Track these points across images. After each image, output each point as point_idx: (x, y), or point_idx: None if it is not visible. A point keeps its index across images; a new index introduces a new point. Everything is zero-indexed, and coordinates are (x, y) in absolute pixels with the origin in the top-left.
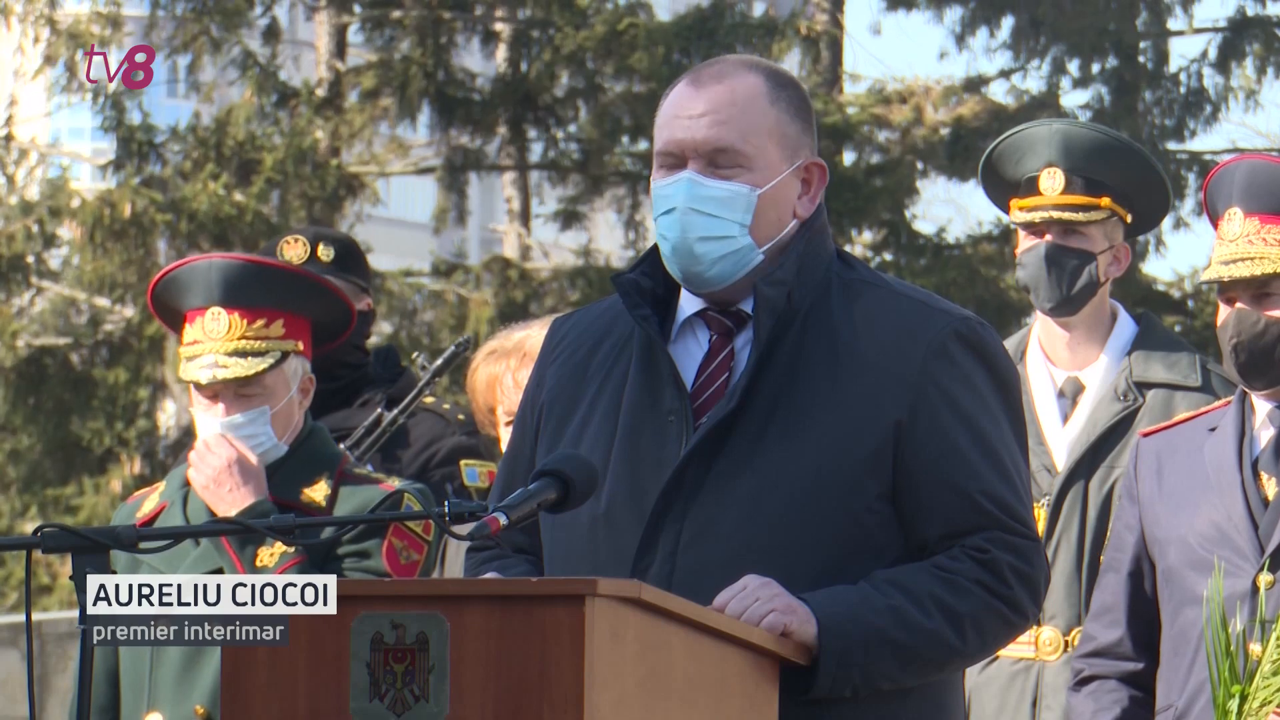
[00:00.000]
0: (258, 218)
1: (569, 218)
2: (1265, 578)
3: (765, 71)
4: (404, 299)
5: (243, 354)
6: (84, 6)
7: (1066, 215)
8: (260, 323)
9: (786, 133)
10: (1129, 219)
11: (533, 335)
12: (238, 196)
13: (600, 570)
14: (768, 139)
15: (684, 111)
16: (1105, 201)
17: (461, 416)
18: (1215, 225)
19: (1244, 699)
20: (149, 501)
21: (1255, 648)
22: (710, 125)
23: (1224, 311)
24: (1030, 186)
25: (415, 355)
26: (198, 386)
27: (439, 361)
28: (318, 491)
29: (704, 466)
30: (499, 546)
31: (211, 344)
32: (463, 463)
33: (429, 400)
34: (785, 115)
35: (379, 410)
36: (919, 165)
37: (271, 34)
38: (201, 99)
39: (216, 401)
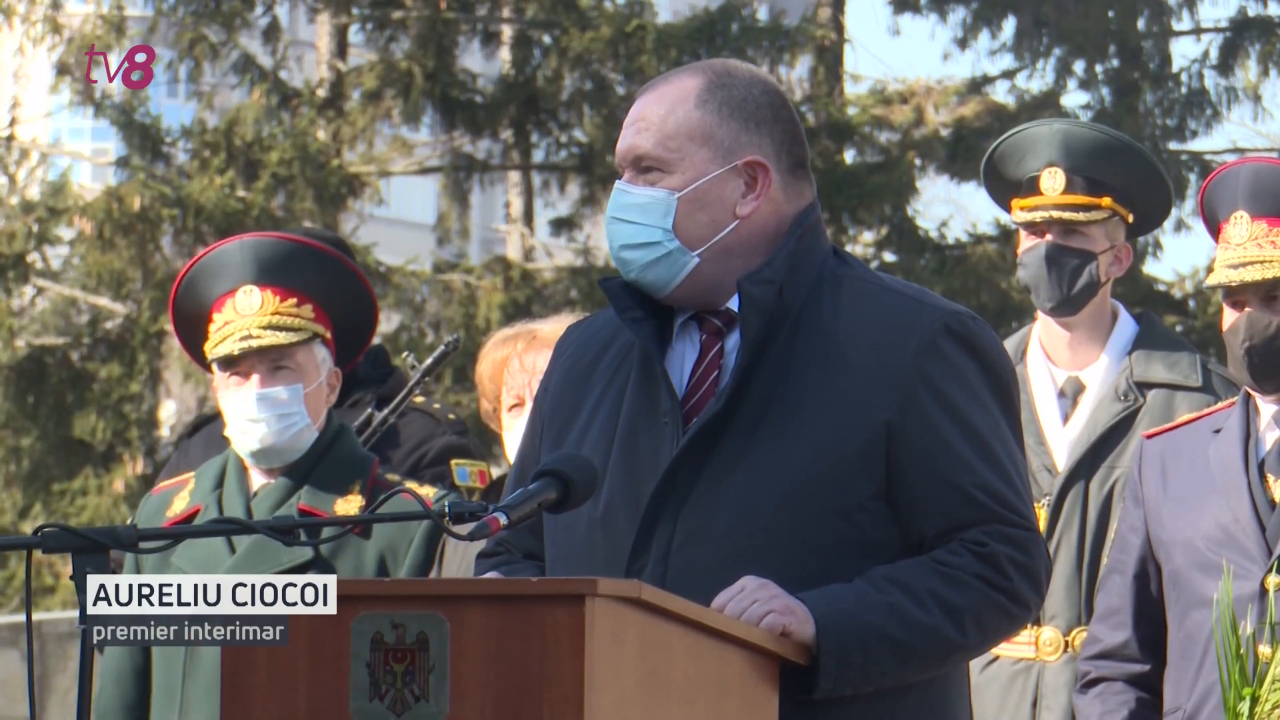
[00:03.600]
0: (263, 214)
1: (572, 220)
2: (1274, 580)
3: (710, 72)
4: (410, 291)
5: (276, 328)
6: (88, 7)
7: (1067, 215)
8: (292, 301)
9: (716, 134)
10: (1131, 219)
11: (546, 326)
12: (243, 193)
13: (597, 573)
14: (689, 141)
15: (625, 122)
16: (1106, 201)
17: (452, 416)
18: (1215, 229)
19: (1255, 702)
20: (180, 500)
21: (1265, 650)
22: (634, 134)
23: (1232, 315)
24: (1031, 186)
25: (405, 355)
26: (227, 363)
27: (429, 361)
28: (351, 503)
29: (695, 468)
30: (510, 551)
31: (244, 320)
32: (453, 462)
33: (419, 400)
34: (715, 116)
35: (369, 410)
36: (918, 162)
37: (273, 33)
38: (202, 106)
39: (248, 378)
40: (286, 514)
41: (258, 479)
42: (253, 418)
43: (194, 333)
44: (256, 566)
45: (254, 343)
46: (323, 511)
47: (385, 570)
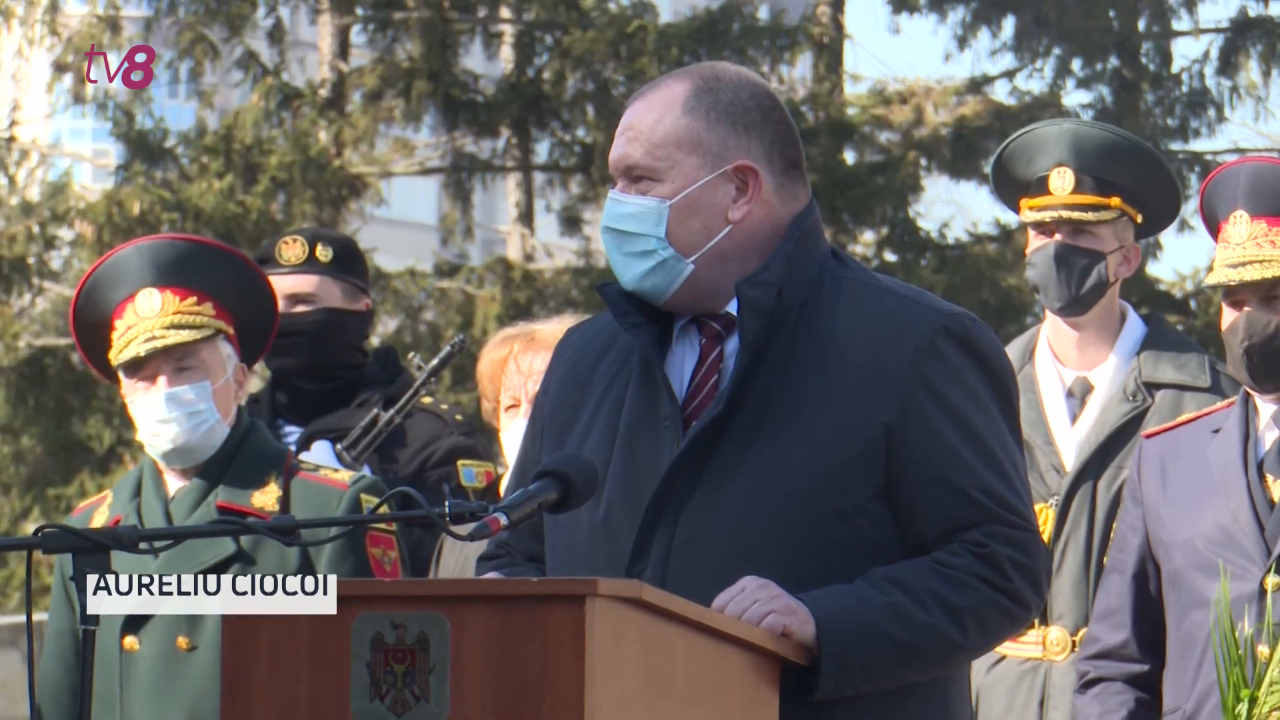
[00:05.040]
0: (263, 217)
1: (573, 221)
2: (1273, 580)
3: (697, 78)
4: (409, 297)
5: (178, 327)
6: (85, 8)
7: (1076, 215)
8: (192, 300)
9: (704, 139)
10: (1139, 219)
11: (545, 327)
12: (243, 197)
13: (597, 575)
14: (677, 149)
15: (617, 131)
16: (1115, 201)
17: (459, 416)
18: (1215, 228)
19: (1253, 703)
20: (99, 514)
21: (1264, 650)
22: (624, 143)
23: (1231, 315)
24: (1040, 186)
25: (411, 355)
26: (133, 366)
27: (435, 361)
28: (268, 494)
29: (695, 471)
30: (510, 554)
31: (145, 323)
32: (460, 463)
33: (426, 400)
34: (702, 122)
35: (376, 410)
36: (922, 161)
37: (277, 34)
38: (203, 105)
39: (155, 380)
40: (205, 514)
41: (174, 482)
42: (163, 418)
43: (95, 342)
44: (181, 566)
45: (159, 343)
46: (241, 506)
47: (307, 560)
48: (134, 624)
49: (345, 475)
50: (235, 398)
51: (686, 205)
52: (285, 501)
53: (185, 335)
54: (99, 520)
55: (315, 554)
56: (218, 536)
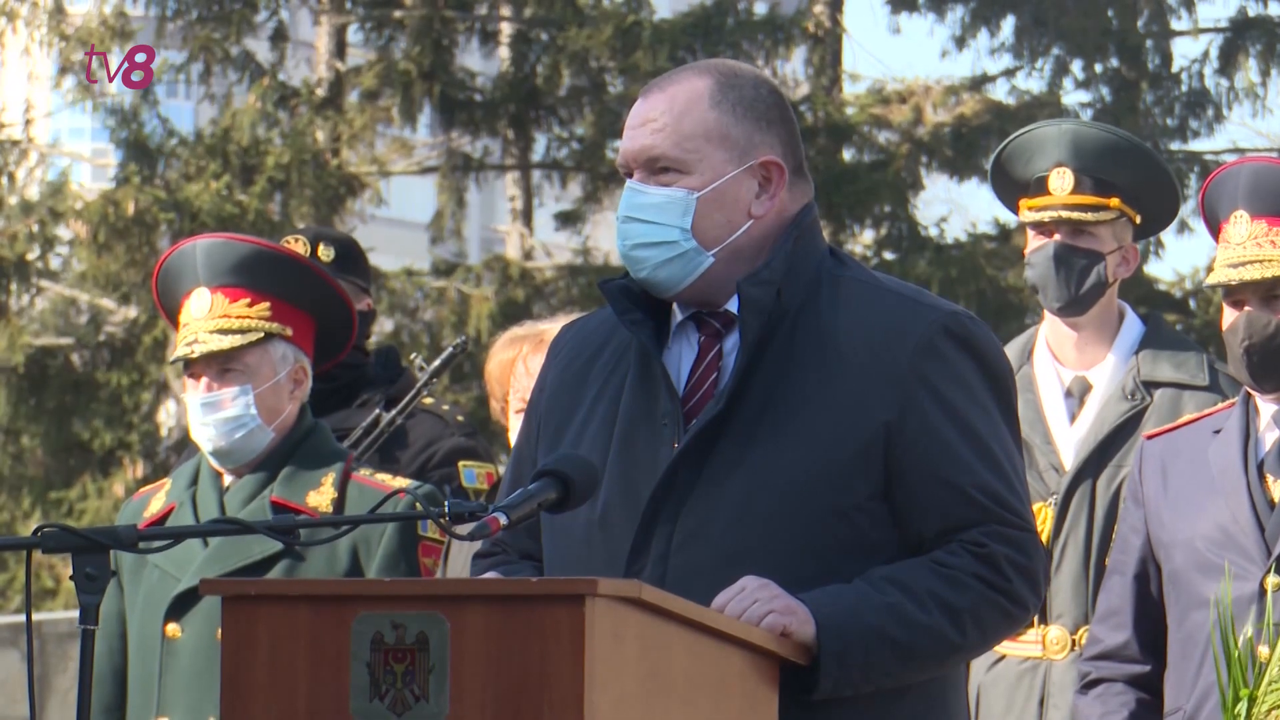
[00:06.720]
0: (260, 217)
1: (571, 218)
2: (1273, 580)
3: (717, 73)
4: (405, 297)
5: (223, 332)
6: (87, 6)
7: (1075, 215)
8: (243, 302)
9: (731, 134)
10: (1138, 220)
11: (555, 327)
12: (240, 196)
13: (596, 574)
14: (706, 142)
15: (631, 123)
16: (1114, 202)
17: (460, 417)
18: (1215, 228)
19: (1252, 702)
20: (156, 501)
21: (1264, 650)
22: (648, 134)
23: (1231, 314)
24: (1039, 186)
25: (413, 356)
26: (185, 367)
27: (437, 362)
28: (324, 495)
29: (694, 469)
30: (506, 552)
31: (196, 323)
32: (461, 464)
33: (428, 401)
34: (730, 116)
35: (377, 411)
36: (924, 159)
37: (279, 38)
38: (206, 95)
39: (199, 380)
40: (259, 507)
41: (230, 474)
42: (201, 421)
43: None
44: (228, 559)
45: (199, 348)
46: (295, 504)
47: (358, 560)
48: (178, 611)
49: (403, 483)
50: (292, 398)
51: (714, 198)
52: (340, 503)
53: (227, 342)
54: (155, 506)
55: (367, 558)
56: (216, 536)
